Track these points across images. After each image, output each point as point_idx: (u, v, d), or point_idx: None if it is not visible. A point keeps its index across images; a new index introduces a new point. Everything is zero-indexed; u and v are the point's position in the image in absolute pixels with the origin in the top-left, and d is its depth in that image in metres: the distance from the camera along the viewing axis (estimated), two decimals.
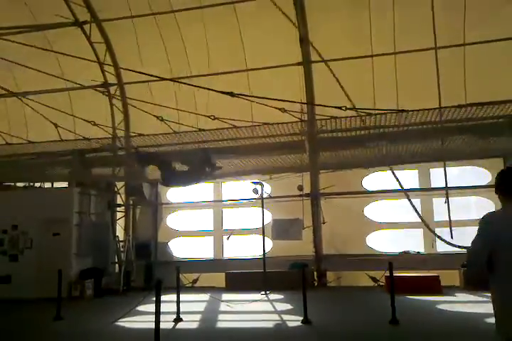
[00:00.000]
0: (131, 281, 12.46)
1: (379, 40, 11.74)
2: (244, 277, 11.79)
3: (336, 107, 6.83)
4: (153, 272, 12.57)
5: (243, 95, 6.48)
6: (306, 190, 12.13)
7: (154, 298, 5.55)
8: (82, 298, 10.83)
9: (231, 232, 13.07)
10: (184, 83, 7.93)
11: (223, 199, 13.99)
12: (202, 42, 12.33)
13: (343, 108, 6.20)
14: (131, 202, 13.84)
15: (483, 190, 11.88)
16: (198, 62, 12.46)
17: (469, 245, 2.63)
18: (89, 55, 12.64)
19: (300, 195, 12.09)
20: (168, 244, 14.02)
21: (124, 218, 13.64)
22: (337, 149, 11.75)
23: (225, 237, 13.24)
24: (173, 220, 14.28)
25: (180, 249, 14.07)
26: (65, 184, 13.50)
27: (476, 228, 2.61)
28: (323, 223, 12.00)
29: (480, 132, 10.75)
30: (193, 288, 11.68)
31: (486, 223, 2.60)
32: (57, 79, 12.27)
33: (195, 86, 8.71)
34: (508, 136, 11.11)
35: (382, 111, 7.66)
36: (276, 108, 6.73)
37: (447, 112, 10.04)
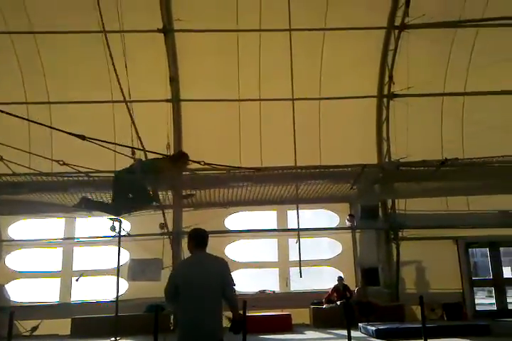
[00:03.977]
0: None
1: (247, 88, 12.43)
2: (93, 322, 10.83)
3: (194, 161, 6.76)
4: None
5: (95, 140, 5.87)
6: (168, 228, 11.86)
7: None
8: None
9: (81, 273, 11.98)
10: (33, 121, 6.85)
11: (75, 237, 12.84)
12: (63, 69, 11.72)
13: (202, 163, 6.21)
14: None
15: (333, 232, 12.92)
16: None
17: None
18: None
19: (161, 234, 11.74)
20: (5, 286, 12.30)
21: None
22: (201, 188, 11.77)
23: (74, 279, 12.07)
24: (13, 259, 12.64)
25: (20, 292, 12.41)
26: None
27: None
28: None
29: (330, 179, 11.77)
30: (31, 337, 10.32)
31: (173, 268, 4.30)
32: None
33: (43, 125, 7.61)
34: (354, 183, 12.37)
35: (237, 169, 7.77)
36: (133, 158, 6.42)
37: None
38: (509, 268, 16.98)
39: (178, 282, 3.95)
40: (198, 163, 6.29)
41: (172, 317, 11.17)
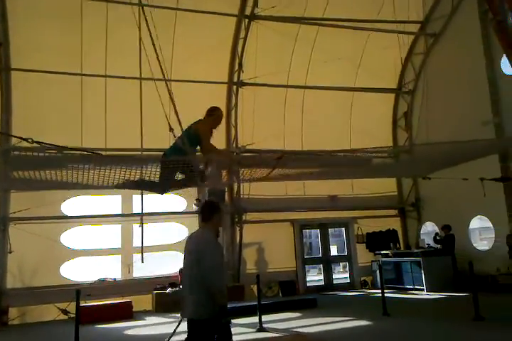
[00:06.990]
0: None
1: (92, 62, 11.52)
2: None
3: (19, 138, 5.85)
4: None
5: None
6: None
7: None
8: None
9: None
10: None
11: None
12: None
13: (29, 140, 5.42)
14: None
15: (180, 216, 12.85)
16: None
17: None
18: None
19: None
20: None
21: None
22: (34, 169, 10.62)
23: None
24: None
25: None
26: None
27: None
28: (10, 252, 10.56)
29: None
30: None
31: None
32: None
33: None
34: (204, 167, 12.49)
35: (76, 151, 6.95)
36: None
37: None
38: (335, 247, 19.02)
39: None
40: (26, 140, 5.51)
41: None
